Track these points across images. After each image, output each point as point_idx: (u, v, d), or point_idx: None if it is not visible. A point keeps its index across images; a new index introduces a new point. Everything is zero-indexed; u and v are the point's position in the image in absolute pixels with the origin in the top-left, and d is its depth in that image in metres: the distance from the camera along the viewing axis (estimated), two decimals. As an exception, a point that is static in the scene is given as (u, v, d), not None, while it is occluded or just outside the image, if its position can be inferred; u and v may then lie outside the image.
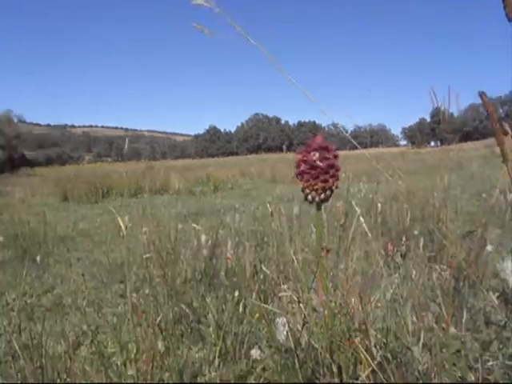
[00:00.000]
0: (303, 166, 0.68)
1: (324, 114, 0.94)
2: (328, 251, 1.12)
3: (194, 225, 2.90)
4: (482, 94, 0.83)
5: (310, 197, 0.68)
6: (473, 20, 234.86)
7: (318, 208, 0.70)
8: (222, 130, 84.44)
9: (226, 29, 0.89)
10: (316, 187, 0.67)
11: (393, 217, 3.69)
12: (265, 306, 1.65)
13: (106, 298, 2.98)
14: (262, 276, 2.12)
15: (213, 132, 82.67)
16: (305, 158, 0.67)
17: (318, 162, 0.66)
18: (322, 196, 0.68)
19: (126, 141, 2.25)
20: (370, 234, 1.56)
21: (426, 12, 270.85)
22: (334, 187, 0.68)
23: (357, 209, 1.53)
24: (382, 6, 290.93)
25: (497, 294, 1.95)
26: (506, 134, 0.87)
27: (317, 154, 0.67)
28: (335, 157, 0.67)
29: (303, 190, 0.69)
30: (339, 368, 1.13)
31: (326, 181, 0.67)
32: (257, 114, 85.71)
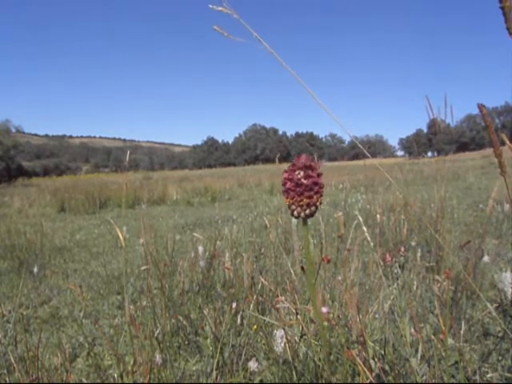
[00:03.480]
0: (289, 184, 0.72)
1: (342, 126, 0.96)
2: (329, 261, 1.12)
3: (196, 234, 2.90)
4: (481, 106, 0.84)
5: (295, 212, 0.73)
6: (470, 31, 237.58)
7: (304, 223, 0.75)
8: (220, 141, 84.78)
9: (240, 33, 0.92)
10: (301, 203, 0.72)
11: (390, 227, 3.69)
12: (262, 317, 1.65)
13: (102, 309, 2.97)
14: (259, 287, 2.11)
15: (211, 143, 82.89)
16: (290, 177, 0.72)
17: (303, 180, 0.71)
18: (307, 211, 0.73)
19: (128, 153, 2.24)
20: (371, 243, 1.57)
21: (423, 23, 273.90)
22: (318, 203, 0.73)
23: (360, 218, 1.54)
24: (378, 16, 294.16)
25: (495, 305, 1.95)
26: (503, 143, 0.88)
27: (301, 173, 0.72)
28: (319, 175, 0.72)
29: (289, 207, 0.73)
30: (337, 380, 1.13)
31: (310, 197, 0.72)
32: (254, 124, 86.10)
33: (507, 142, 0.89)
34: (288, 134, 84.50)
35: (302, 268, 1.25)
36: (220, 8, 0.90)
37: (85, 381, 1.83)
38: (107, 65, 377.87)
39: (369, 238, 1.51)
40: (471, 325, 1.90)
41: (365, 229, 1.50)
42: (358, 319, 1.12)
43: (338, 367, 1.17)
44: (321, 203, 0.73)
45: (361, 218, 1.49)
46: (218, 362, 1.60)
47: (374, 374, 1.09)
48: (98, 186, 11.97)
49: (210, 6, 0.90)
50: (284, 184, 0.73)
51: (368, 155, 1.02)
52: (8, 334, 2.19)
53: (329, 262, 1.15)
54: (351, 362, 1.04)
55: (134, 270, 3.72)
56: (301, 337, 1.30)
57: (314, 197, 0.72)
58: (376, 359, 1.20)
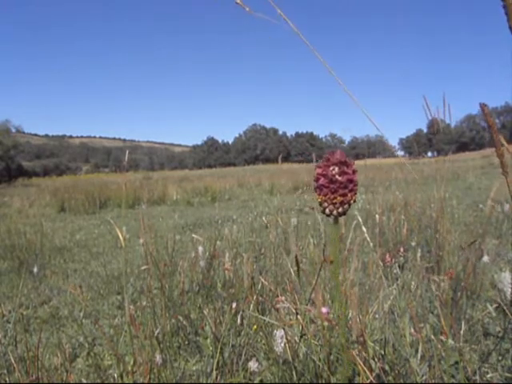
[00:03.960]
0: (322, 180, 0.69)
1: (379, 130, 0.95)
2: (332, 261, 1.12)
3: (194, 235, 2.90)
4: (483, 106, 0.84)
5: (327, 210, 0.70)
6: (470, 31, 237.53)
7: (335, 221, 0.72)
8: (220, 141, 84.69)
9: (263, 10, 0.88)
10: (335, 201, 0.69)
11: (390, 228, 3.69)
12: (262, 317, 1.65)
13: (102, 309, 2.97)
14: (259, 287, 2.11)
15: (211, 143, 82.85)
16: (324, 172, 0.69)
17: (338, 177, 0.68)
18: (340, 210, 0.70)
19: (127, 153, 2.24)
20: (371, 244, 1.57)
21: (423, 23, 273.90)
22: (351, 201, 0.70)
23: (359, 218, 1.54)
24: (378, 16, 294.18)
25: (495, 305, 1.95)
26: (500, 145, 0.88)
27: (336, 169, 0.69)
28: (354, 172, 0.69)
29: (321, 204, 0.70)
30: (337, 380, 1.13)
31: (344, 195, 0.69)
32: (254, 124, 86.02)
33: (505, 143, 0.89)
34: (288, 134, 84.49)
35: (298, 267, 1.25)
36: None
37: (85, 381, 1.83)
38: (107, 65, 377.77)
39: (368, 239, 1.51)
40: (471, 325, 1.90)
41: (364, 229, 1.50)
42: (358, 319, 1.12)
43: (338, 367, 1.17)
44: (355, 201, 0.71)
45: (360, 218, 1.49)
46: (217, 362, 1.60)
47: (374, 374, 1.09)
48: (98, 186, 11.97)
49: None
50: (317, 180, 0.70)
51: (402, 159, 1.02)
52: (8, 334, 2.19)
53: (332, 262, 1.15)
54: (352, 362, 1.04)
55: (133, 270, 3.72)
56: (301, 337, 1.30)
57: (349, 194, 0.69)
58: (376, 359, 1.20)
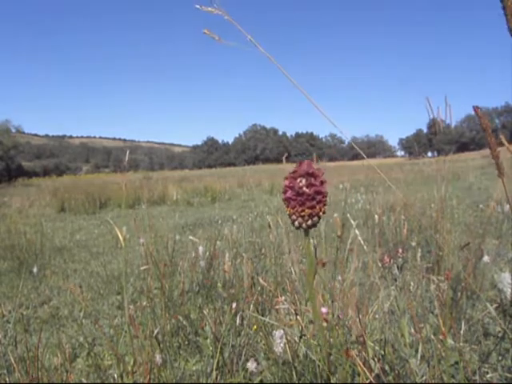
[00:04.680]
0: (289, 193, 0.68)
1: (336, 127, 0.95)
2: (324, 264, 1.11)
3: (191, 237, 2.90)
4: (476, 108, 0.84)
5: (296, 223, 0.69)
6: (471, 30, 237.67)
7: (306, 234, 0.71)
8: (220, 141, 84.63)
9: (231, 35, 0.90)
10: (303, 213, 0.68)
11: (390, 228, 3.70)
12: (262, 318, 1.65)
13: (102, 309, 2.97)
14: (259, 288, 2.11)
15: (210, 143, 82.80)
16: (291, 185, 0.68)
17: (305, 189, 0.67)
18: (309, 222, 0.68)
19: (127, 153, 2.24)
20: (365, 247, 1.57)
21: (423, 23, 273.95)
22: (321, 213, 0.68)
23: (352, 222, 1.54)
24: (378, 16, 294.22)
25: (495, 305, 1.95)
26: (501, 145, 0.88)
27: (303, 181, 0.68)
28: (322, 183, 0.68)
29: (290, 216, 0.69)
30: (337, 380, 1.13)
31: (312, 207, 0.67)
32: (254, 125, 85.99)
33: (506, 143, 0.89)
34: (288, 134, 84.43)
35: (323, 263, 1.24)
36: (209, 9, 0.87)
37: (85, 381, 1.83)
38: (107, 65, 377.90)
39: (362, 242, 1.51)
40: (471, 325, 1.90)
41: (357, 232, 1.50)
42: (357, 319, 1.12)
43: (337, 368, 1.17)
44: (324, 213, 0.69)
45: (352, 221, 1.49)
46: (217, 362, 1.60)
47: (373, 374, 1.09)
48: (97, 186, 11.99)
49: (197, 6, 0.86)
50: (285, 192, 0.68)
51: (364, 156, 1.02)
52: (8, 334, 2.19)
53: (324, 265, 1.14)
54: (351, 362, 1.04)
55: (133, 270, 3.72)
56: (300, 337, 1.30)
57: (317, 207, 0.67)
58: (376, 359, 1.20)
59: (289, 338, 1.35)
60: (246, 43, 0.89)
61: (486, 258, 2.38)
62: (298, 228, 0.69)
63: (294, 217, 0.69)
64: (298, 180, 0.68)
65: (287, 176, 0.69)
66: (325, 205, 0.68)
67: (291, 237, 2.13)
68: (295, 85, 0.90)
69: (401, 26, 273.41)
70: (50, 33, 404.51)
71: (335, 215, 3.02)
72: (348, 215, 1.58)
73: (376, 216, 3.85)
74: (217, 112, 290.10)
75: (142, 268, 2.49)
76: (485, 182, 9.60)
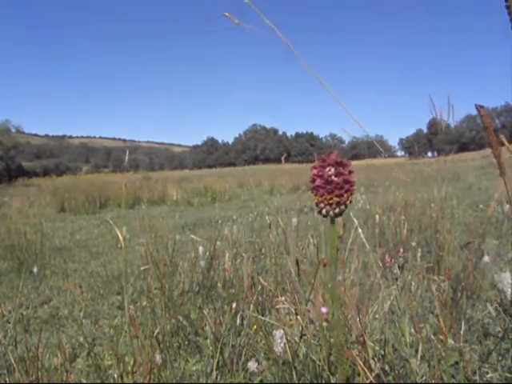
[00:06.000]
0: (318, 181, 0.69)
1: (361, 126, 0.95)
2: (325, 264, 1.11)
3: (193, 236, 2.90)
4: (478, 107, 0.84)
5: (324, 211, 0.70)
6: (470, 31, 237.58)
7: (332, 222, 0.71)
8: (220, 141, 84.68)
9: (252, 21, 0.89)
10: (331, 201, 0.68)
11: (390, 228, 3.69)
12: (262, 318, 1.65)
13: (102, 309, 2.97)
14: (259, 288, 2.11)
15: (210, 143, 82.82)
16: (320, 173, 0.69)
17: (334, 177, 0.68)
18: (337, 210, 0.69)
19: (127, 153, 2.23)
20: (367, 246, 1.57)
21: (423, 23, 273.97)
22: (348, 202, 0.69)
23: (355, 220, 1.54)
24: (378, 15, 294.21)
25: (495, 305, 1.95)
26: (502, 144, 0.88)
27: (332, 169, 0.68)
28: (350, 172, 0.69)
29: (318, 204, 0.70)
30: (337, 380, 1.13)
31: (340, 195, 0.68)
32: (254, 125, 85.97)
33: (506, 143, 0.89)
34: (288, 134, 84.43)
35: (299, 268, 1.25)
36: None
37: (85, 381, 1.83)
38: (107, 65, 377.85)
39: (364, 240, 1.51)
40: (471, 325, 1.89)
41: (360, 230, 1.50)
42: (358, 319, 1.12)
43: (337, 367, 1.17)
44: (351, 202, 0.70)
45: (355, 220, 1.49)
46: (218, 362, 1.60)
47: (373, 374, 1.09)
48: (97, 186, 11.98)
49: None
50: (313, 181, 0.69)
51: (384, 154, 1.01)
52: (8, 334, 2.19)
53: (325, 265, 1.14)
54: (351, 362, 1.04)
55: (133, 270, 3.72)
56: (301, 337, 1.30)
57: (345, 195, 0.68)
58: (376, 359, 1.20)
59: (289, 337, 1.35)
60: (265, 28, 0.89)
61: (486, 258, 2.38)
62: (325, 216, 0.70)
63: (321, 205, 0.70)
64: (327, 169, 0.69)
65: (315, 165, 0.70)
66: (352, 194, 0.69)
67: (293, 236, 2.13)
68: (319, 78, 0.90)
69: (401, 27, 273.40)
70: (50, 33, 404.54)
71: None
72: (351, 214, 1.58)
73: (377, 216, 3.85)
74: (217, 112, 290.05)
75: (141, 268, 2.49)
76: (485, 182, 9.60)
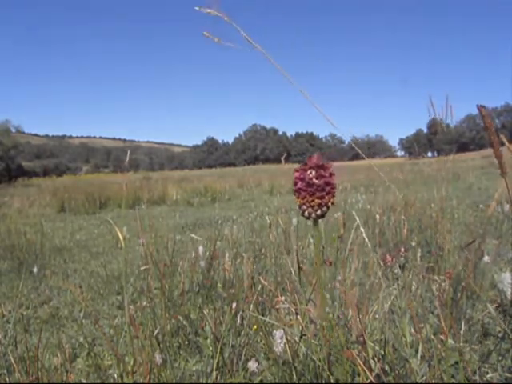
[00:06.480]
0: (300, 184, 0.71)
1: (336, 127, 0.96)
2: (331, 263, 1.12)
3: (193, 235, 2.90)
4: (480, 108, 0.84)
5: (306, 213, 0.72)
6: (470, 31, 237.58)
7: (315, 223, 0.73)
8: (220, 141, 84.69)
9: (231, 36, 0.90)
10: (313, 203, 0.70)
11: (390, 228, 3.69)
12: (262, 318, 1.65)
13: (102, 309, 2.97)
14: (259, 288, 2.11)
15: (210, 143, 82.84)
16: (302, 176, 0.71)
17: (315, 180, 0.69)
18: (319, 212, 0.71)
19: (128, 153, 2.23)
20: (369, 245, 1.57)
21: (423, 23, 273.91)
22: (329, 203, 0.71)
23: (357, 219, 1.54)
24: (378, 16, 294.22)
25: (495, 305, 1.95)
26: (502, 144, 0.88)
27: (313, 172, 0.70)
28: (331, 175, 0.70)
29: (300, 207, 0.72)
30: (337, 380, 1.13)
31: (322, 197, 0.70)
32: (254, 125, 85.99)
33: (506, 143, 0.89)
34: (288, 134, 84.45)
35: (300, 268, 1.25)
36: (208, 10, 0.88)
37: (85, 381, 1.83)
38: (107, 65, 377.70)
39: (367, 239, 1.51)
40: (471, 325, 1.89)
41: (362, 229, 1.50)
42: (358, 319, 1.12)
43: (337, 367, 1.17)
44: (333, 203, 0.72)
45: (358, 219, 1.49)
46: (218, 362, 1.60)
47: (373, 374, 1.09)
48: (97, 187, 11.99)
49: (197, 7, 0.88)
50: (295, 184, 0.71)
51: (364, 156, 1.02)
52: (8, 334, 2.19)
53: (330, 264, 1.15)
54: (351, 362, 1.04)
55: (133, 270, 3.72)
56: (301, 337, 1.30)
57: (326, 197, 0.70)
58: (376, 359, 1.20)
59: (289, 337, 1.35)
60: (246, 44, 0.90)
61: (486, 258, 2.38)
62: (307, 218, 0.72)
63: (304, 207, 0.71)
64: (309, 172, 0.71)
65: (297, 168, 0.72)
66: (333, 196, 0.71)
67: (293, 236, 2.13)
68: (293, 84, 0.90)
69: (401, 27, 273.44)
70: (50, 33, 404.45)
71: (338, 214, 3.02)
72: (353, 212, 1.58)
73: (377, 216, 3.85)
74: (217, 112, 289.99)
75: (141, 268, 2.49)
76: (485, 182, 9.60)
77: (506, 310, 1.85)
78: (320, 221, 0.74)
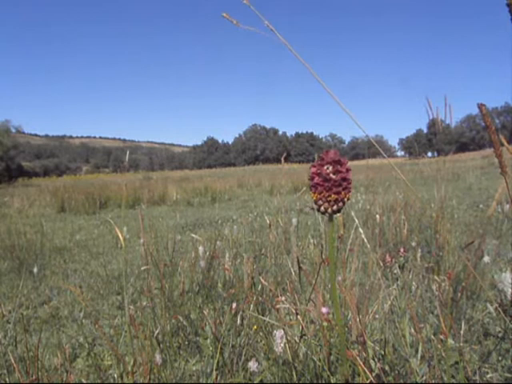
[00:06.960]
0: (317, 179, 0.70)
1: (360, 127, 0.95)
2: (328, 262, 1.12)
3: (194, 235, 2.90)
4: (481, 106, 0.84)
5: (322, 208, 0.71)
6: (470, 31, 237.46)
7: (330, 219, 0.73)
8: (220, 141, 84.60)
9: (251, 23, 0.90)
10: (329, 199, 0.70)
11: (390, 228, 3.69)
12: (262, 317, 1.65)
13: (102, 309, 2.97)
14: (259, 288, 2.11)
15: (211, 143, 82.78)
16: (318, 171, 0.70)
17: (332, 175, 0.69)
18: (335, 207, 0.71)
19: (127, 153, 2.24)
20: (368, 245, 1.57)
21: (423, 23, 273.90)
22: (345, 199, 0.71)
23: (356, 220, 1.54)
24: (378, 16, 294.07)
25: (495, 305, 1.95)
26: (501, 145, 0.88)
27: (330, 167, 0.70)
28: (347, 170, 0.71)
29: (316, 202, 0.72)
30: (337, 380, 1.13)
31: (338, 193, 0.70)
32: (254, 125, 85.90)
33: (505, 143, 0.89)
34: (288, 134, 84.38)
35: (300, 268, 1.25)
36: None
37: (85, 381, 1.83)
38: (107, 65, 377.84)
39: (366, 240, 1.51)
40: (471, 325, 1.89)
41: (361, 230, 1.50)
42: (358, 319, 1.12)
43: (337, 368, 1.17)
44: (349, 199, 0.72)
45: (356, 220, 1.49)
46: (218, 362, 1.60)
47: (373, 374, 1.09)
48: (97, 187, 11.99)
49: None
50: (312, 179, 0.71)
51: (384, 155, 1.02)
52: (8, 334, 2.19)
53: (328, 262, 1.15)
54: (351, 362, 1.04)
55: (134, 270, 3.72)
56: (301, 337, 1.30)
57: (343, 192, 0.70)
58: (376, 359, 1.20)
59: (289, 337, 1.35)
60: (263, 30, 0.89)
61: (486, 258, 2.38)
62: (323, 213, 0.71)
63: (320, 202, 0.71)
64: (325, 167, 0.70)
65: (314, 164, 0.72)
66: (350, 191, 0.71)
67: (293, 236, 2.13)
68: (316, 77, 0.90)
69: (401, 27, 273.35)
70: (50, 32, 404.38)
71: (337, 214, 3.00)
72: (353, 213, 1.58)
73: (377, 216, 3.85)
74: (217, 112, 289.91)
75: (142, 268, 2.49)
76: (485, 182, 9.60)
77: (506, 310, 1.85)
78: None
